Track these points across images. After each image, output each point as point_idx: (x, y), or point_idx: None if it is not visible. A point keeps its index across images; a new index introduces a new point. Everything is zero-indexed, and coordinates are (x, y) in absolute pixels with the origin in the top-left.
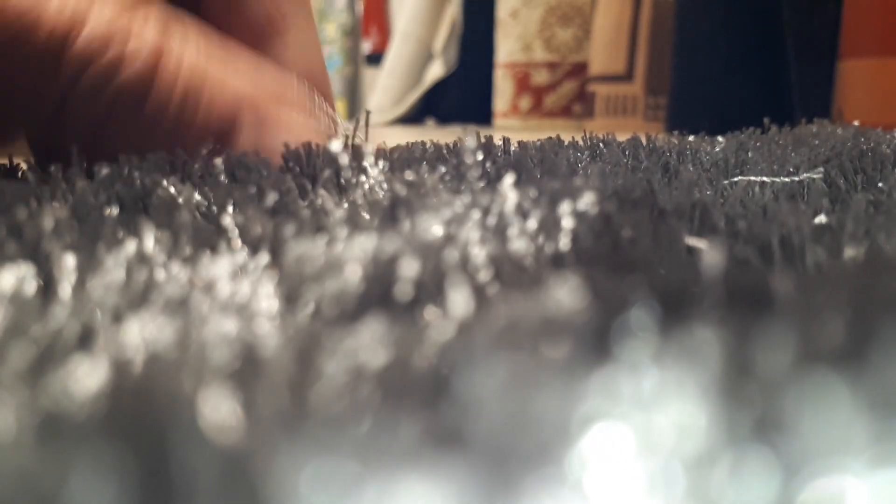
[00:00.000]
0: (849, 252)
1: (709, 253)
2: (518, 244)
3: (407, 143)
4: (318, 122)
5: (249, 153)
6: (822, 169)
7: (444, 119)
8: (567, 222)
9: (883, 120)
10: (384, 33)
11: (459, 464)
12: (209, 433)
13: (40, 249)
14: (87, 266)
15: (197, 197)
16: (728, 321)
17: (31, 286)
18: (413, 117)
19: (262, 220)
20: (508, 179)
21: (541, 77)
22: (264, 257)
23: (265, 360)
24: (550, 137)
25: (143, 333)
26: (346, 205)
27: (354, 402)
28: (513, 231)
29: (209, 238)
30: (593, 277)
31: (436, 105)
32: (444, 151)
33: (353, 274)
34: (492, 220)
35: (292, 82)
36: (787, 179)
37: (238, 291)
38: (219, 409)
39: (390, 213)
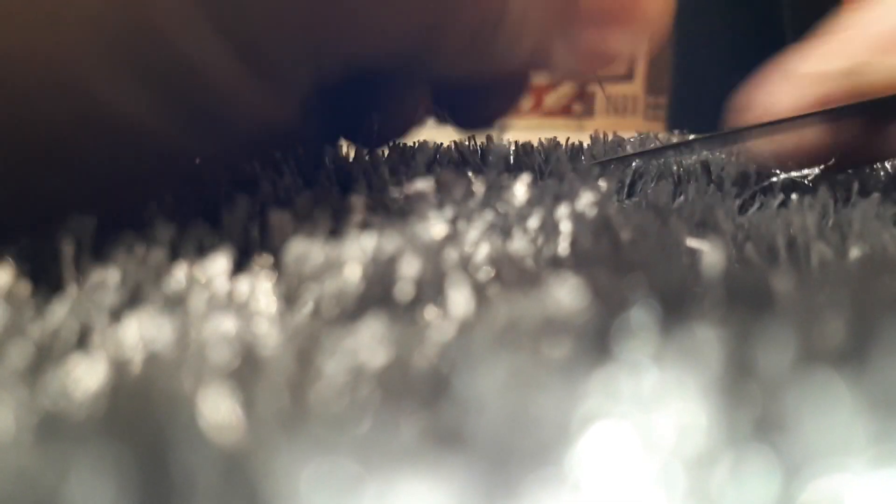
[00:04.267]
0: (854, 252)
1: (709, 253)
2: (518, 244)
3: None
4: None
5: None
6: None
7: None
8: (566, 224)
9: None
10: None
11: (459, 464)
12: (209, 433)
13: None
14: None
15: None
16: (728, 321)
17: (27, 285)
18: None
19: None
20: (525, 179)
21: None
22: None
23: (265, 360)
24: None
25: (141, 332)
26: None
27: (354, 402)
28: (517, 231)
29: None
30: (593, 277)
31: None
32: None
33: (353, 273)
34: (498, 220)
35: None
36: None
37: (237, 290)
38: (218, 409)
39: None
